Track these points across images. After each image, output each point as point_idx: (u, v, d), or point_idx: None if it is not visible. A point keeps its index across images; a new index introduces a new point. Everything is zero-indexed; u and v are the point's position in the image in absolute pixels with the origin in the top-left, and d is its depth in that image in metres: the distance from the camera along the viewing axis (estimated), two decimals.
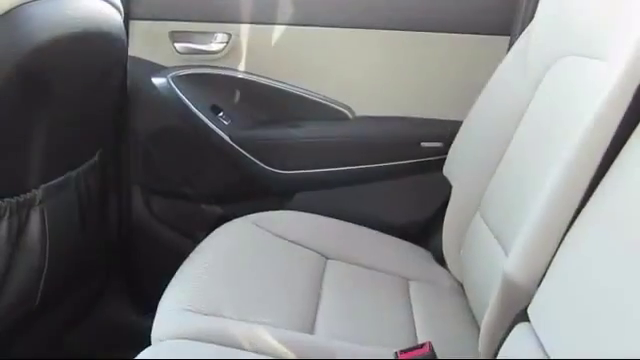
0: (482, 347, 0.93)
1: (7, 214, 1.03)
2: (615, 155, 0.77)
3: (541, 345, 0.76)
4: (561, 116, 0.99)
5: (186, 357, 0.87)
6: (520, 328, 0.84)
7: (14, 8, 0.92)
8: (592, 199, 0.78)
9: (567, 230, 0.81)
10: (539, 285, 0.82)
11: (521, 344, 0.81)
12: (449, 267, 1.38)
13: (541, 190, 0.87)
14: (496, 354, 0.88)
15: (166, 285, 1.18)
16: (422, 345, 0.94)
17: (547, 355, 0.74)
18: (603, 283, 0.68)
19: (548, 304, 0.78)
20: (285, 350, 0.91)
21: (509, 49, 1.41)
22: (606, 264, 0.70)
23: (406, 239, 1.52)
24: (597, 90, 0.83)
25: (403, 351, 0.93)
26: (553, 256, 0.81)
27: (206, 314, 0.99)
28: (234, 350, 0.91)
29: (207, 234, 1.41)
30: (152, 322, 1.09)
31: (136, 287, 1.68)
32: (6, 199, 1.03)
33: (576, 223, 0.79)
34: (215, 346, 0.91)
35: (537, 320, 0.80)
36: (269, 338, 0.92)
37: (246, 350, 0.91)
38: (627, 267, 0.65)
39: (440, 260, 1.43)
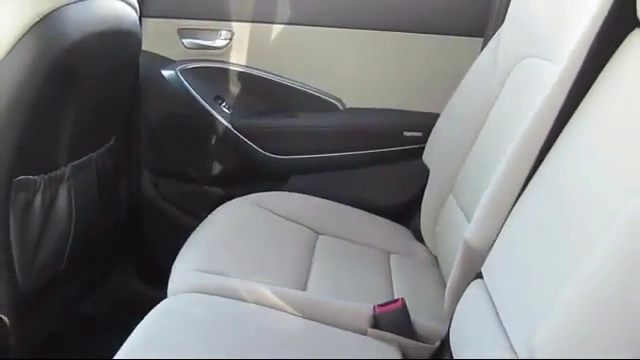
0: (446, 303, 1.06)
1: (41, 188, 1.17)
2: (553, 141, 0.92)
3: (490, 298, 0.91)
4: (517, 110, 1.13)
5: (196, 307, 1.02)
6: (475, 285, 0.98)
7: (51, 12, 1.05)
8: (535, 175, 0.93)
9: (515, 201, 0.95)
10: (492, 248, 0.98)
11: (474, 298, 0.95)
12: (426, 242, 1.50)
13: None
14: None
15: (172, 258, 1.28)
16: (396, 300, 1.09)
17: (495, 307, 0.89)
18: (539, 242, 0.83)
19: (497, 263, 0.93)
20: (280, 302, 1.05)
21: (482, 49, 1.51)
22: (543, 227, 0.85)
23: (389, 218, 1.61)
24: (543, 87, 0.99)
25: (379, 305, 1.08)
26: (504, 223, 0.97)
27: (212, 273, 1.13)
28: (236, 301, 1.05)
29: (209, 213, 1.49)
30: (158, 291, 1.18)
31: (144, 260, 1.78)
32: (40, 175, 1.16)
33: (522, 195, 0.94)
34: (220, 298, 1.04)
35: (488, 277, 0.95)
36: (267, 292, 1.05)
37: (247, 302, 1.05)
38: (559, 229, 0.80)
39: (418, 236, 1.53)
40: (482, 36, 1.59)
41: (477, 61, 1.49)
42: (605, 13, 0.88)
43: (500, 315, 0.85)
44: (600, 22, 0.89)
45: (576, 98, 0.90)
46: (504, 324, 0.83)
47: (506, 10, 1.43)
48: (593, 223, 0.69)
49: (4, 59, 1.02)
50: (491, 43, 1.46)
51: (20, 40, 1.02)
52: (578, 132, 0.86)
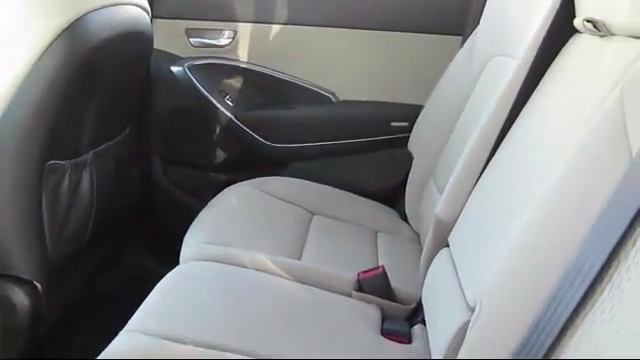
0: (420, 271, 1.21)
1: (68, 171, 1.31)
2: (508, 129, 1.08)
3: (453, 263, 1.06)
4: (485, 104, 1.28)
5: (205, 271, 1.17)
6: (442, 253, 1.13)
7: (78, 18, 1.19)
8: (493, 158, 1.08)
9: (478, 180, 1.10)
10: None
11: (441, 264, 1.11)
12: (410, 222, 1.63)
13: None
14: None
15: (179, 237, 1.38)
16: (377, 268, 1.24)
17: (456, 269, 1.04)
18: (490, 210, 0.99)
19: (459, 233, 1.09)
20: (277, 268, 1.19)
21: (461, 47, 1.64)
22: (494, 198, 1.00)
23: (377, 200, 1.73)
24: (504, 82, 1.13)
25: (363, 272, 1.22)
26: (467, 199, 1.12)
27: (219, 245, 1.27)
28: (239, 268, 1.19)
29: (213, 197, 1.59)
30: (168, 269, 1.22)
31: (155, 239, 1.91)
32: (67, 160, 1.31)
33: (482, 175, 1.09)
34: (225, 265, 1.19)
35: (453, 245, 1.10)
36: (266, 260, 1.20)
37: (248, 268, 1.20)
38: (505, 197, 0.95)
39: (403, 217, 1.66)
40: (461, 35, 1.71)
41: (455, 58, 1.62)
42: (550, 20, 1.04)
43: (459, 275, 1.00)
44: (547, 27, 1.04)
45: (527, 93, 1.06)
46: (461, 283, 0.98)
47: (482, 12, 1.56)
48: (530, 188, 0.84)
49: (38, 60, 1.16)
50: (468, 42, 1.60)
51: (52, 43, 1.16)
52: (527, 121, 1.02)
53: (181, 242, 1.37)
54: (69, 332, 1.56)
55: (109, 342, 0.93)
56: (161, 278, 1.15)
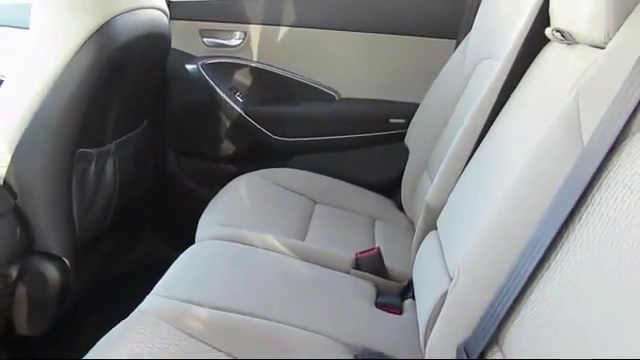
0: (412, 252, 1.35)
1: (95, 159, 1.45)
2: (490, 125, 1.21)
3: (440, 243, 1.20)
4: (472, 101, 1.40)
5: (218, 249, 1.30)
6: (430, 235, 1.26)
7: (107, 22, 1.32)
8: (477, 150, 1.21)
9: (464, 168, 1.22)
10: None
11: (429, 245, 1.23)
12: (405, 211, 1.75)
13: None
14: None
15: (191, 223, 1.49)
16: (373, 249, 1.37)
17: (442, 248, 1.17)
18: (471, 194, 1.12)
19: (446, 216, 1.23)
20: (283, 248, 1.33)
21: (455, 50, 1.76)
22: (476, 184, 1.13)
23: (375, 191, 1.84)
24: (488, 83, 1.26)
25: (360, 252, 1.36)
26: (454, 186, 1.25)
27: (231, 226, 1.40)
28: (249, 247, 1.33)
29: (222, 187, 1.70)
30: (179, 253, 1.30)
31: (167, 225, 2.03)
32: (94, 149, 1.45)
33: (467, 165, 1.22)
34: (237, 244, 1.32)
35: (440, 228, 1.24)
36: (273, 240, 1.33)
37: (257, 247, 1.33)
38: (486, 182, 1.08)
39: (400, 207, 1.78)
40: (455, 39, 1.82)
41: (450, 60, 1.74)
42: (528, 29, 1.17)
43: (444, 253, 1.14)
44: (525, 34, 1.17)
45: (507, 93, 1.19)
46: (445, 260, 1.11)
47: (474, 18, 1.67)
48: (501, 176, 0.97)
49: (72, 59, 1.29)
50: (461, 46, 1.72)
51: (85, 43, 1.29)
52: (504, 119, 1.15)
53: (192, 227, 1.49)
54: (86, 311, 1.66)
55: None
56: (173, 261, 1.26)
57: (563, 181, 0.79)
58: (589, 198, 0.74)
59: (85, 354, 0.96)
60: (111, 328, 1.00)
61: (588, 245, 0.72)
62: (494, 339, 0.82)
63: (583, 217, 0.75)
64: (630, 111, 0.73)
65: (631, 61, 0.76)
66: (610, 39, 0.85)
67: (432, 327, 0.96)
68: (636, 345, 0.58)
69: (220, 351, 0.96)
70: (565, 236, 0.76)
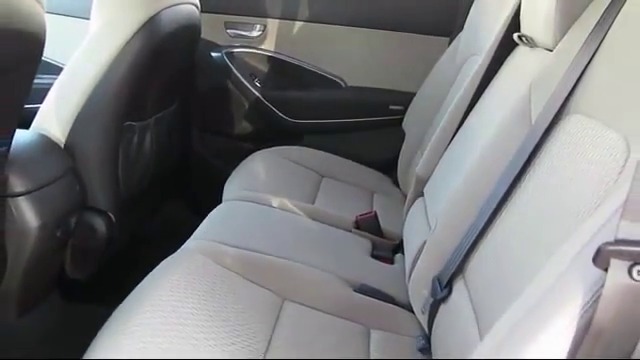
0: (403, 216, 1.61)
1: (137, 132, 1.69)
2: (470, 111, 1.46)
3: (425, 206, 1.45)
4: (457, 93, 1.65)
5: (242, 208, 1.55)
6: (418, 201, 1.52)
7: (154, 15, 1.57)
8: (460, 129, 1.47)
9: (448, 144, 1.48)
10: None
11: (416, 209, 1.49)
12: (401, 187, 1.99)
13: None
14: None
15: (212, 193, 1.70)
16: (371, 212, 1.63)
17: (426, 211, 1.43)
18: (451, 163, 1.37)
19: (431, 184, 1.48)
20: (295, 209, 1.58)
21: (449, 46, 1.98)
22: (456, 155, 1.38)
23: (375, 169, 2.06)
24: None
25: (360, 215, 1.62)
26: (440, 159, 1.50)
27: (251, 190, 1.66)
28: (268, 207, 1.58)
29: (240, 162, 1.91)
30: (201, 219, 1.48)
31: (192, 194, 2.25)
32: (138, 122, 1.69)
33: (452, 141, 1.47)
34: (257, 204, 1.57)
35: (426, 194, 1.50)
36: (288, 202, 1.59)
37: (274, 207, 1.59)
38: (463, 153, 1.33)
39: (396, 183, 2.02)
40: (448, 37, 2.04)
41: (443, 55, 1.97)
42: (503, 33, 1.41)
43: (427, 213, 1.40)
44: (500, 37, 1.42)
45: (485, 85, 1.44)
46: (428, 218, 1.37)
47: (466, 18, 1.90)
48: (472, 150, 1.23)
49: (124, 47, 1.53)
50: (453, 43, 1.95)
51: (136, 33, 1.53)
52: (481, 106, 1.41)
53: (213, 196, 1.69)
54: (120, 267, 1.82)
55: None
56: (197, 224, 1.45)
57: (515, 150, 1.05)
58: (533, 161, 0.99)
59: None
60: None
61: (530, 197, 0.97)
62: (459, 270, 1.08)
63: (528, 176, 1.00)
64: (564, 97, 0.98)
65: (570, 59, 1.01)
66: (557, 43, 1.11)
67: (415, 266, 1.22)
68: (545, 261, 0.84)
69: (251, 281, 1.21)
70: (514, 190, 1.02)
